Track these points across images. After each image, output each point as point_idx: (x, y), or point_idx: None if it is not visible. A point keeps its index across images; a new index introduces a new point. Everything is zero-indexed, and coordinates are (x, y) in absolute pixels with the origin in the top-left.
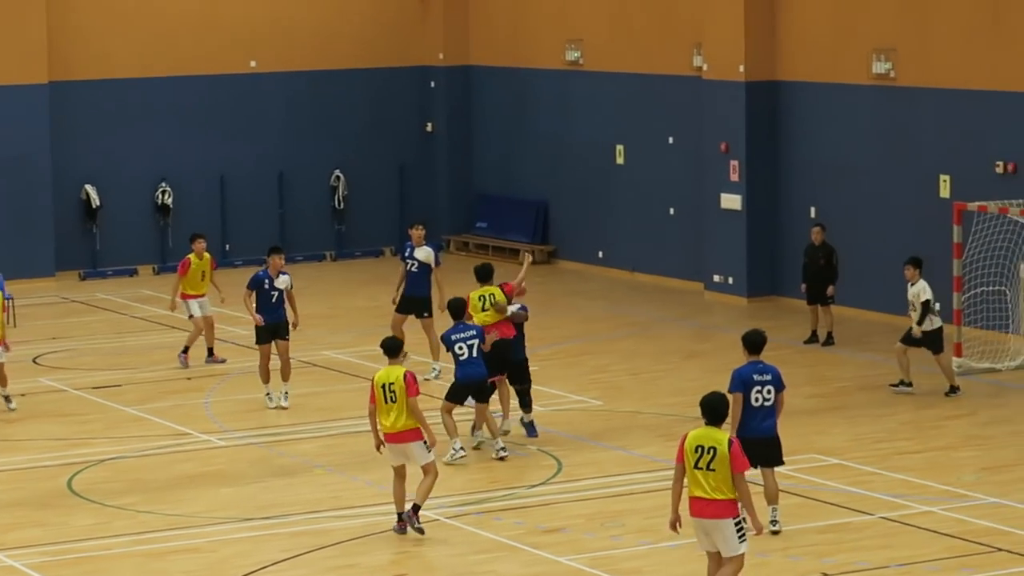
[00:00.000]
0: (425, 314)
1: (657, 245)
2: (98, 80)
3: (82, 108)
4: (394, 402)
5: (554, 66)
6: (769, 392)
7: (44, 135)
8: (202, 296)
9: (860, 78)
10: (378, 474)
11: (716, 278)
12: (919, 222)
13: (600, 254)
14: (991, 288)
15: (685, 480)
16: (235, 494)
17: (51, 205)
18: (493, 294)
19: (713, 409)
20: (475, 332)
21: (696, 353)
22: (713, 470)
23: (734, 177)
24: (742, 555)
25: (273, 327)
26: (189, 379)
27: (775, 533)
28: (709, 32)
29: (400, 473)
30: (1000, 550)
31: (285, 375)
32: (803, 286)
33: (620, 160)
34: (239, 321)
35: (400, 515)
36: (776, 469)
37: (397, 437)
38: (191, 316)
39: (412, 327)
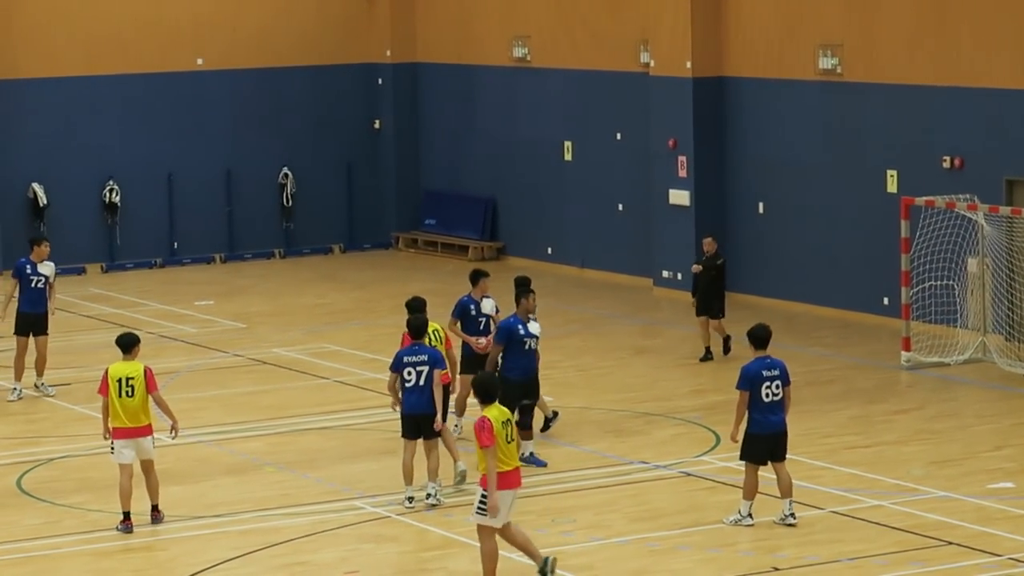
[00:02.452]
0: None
1: (606, 241)
2: (44, 78)
3: (28, 106)
4: (131, 396)
5: (501, 63)
6: (778, 387)
7: None
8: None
9: (807, 74)
10: (328, 471)
11: (665, 274)
12: (866, 217)
13: (549, 250)
14: (939, 283)
15: None
16: (184, 492)
17: None
18: (437, 330)
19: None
20: (427, 357)
21: (645, 349)
22: None
23: (682, 173)
24: None
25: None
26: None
27: (791, 526)
28: (656, 29)
29: (128, 472)
30: (950, 543)
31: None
32: (692, 298)
33: (568, 157)
34: (185, 319)
35: (126, 514)
36: (741, 463)
37: (133, 432)
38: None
39: None
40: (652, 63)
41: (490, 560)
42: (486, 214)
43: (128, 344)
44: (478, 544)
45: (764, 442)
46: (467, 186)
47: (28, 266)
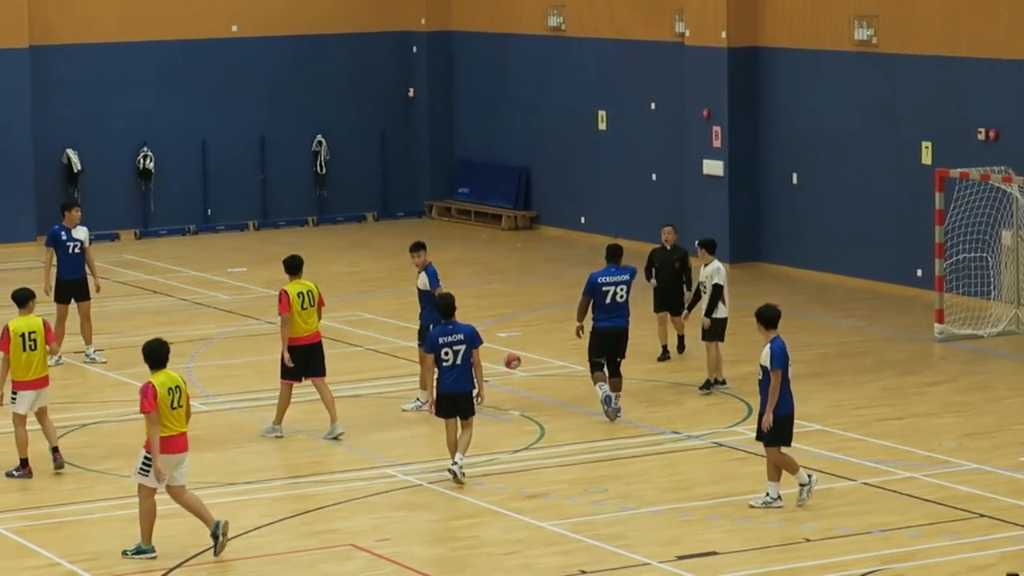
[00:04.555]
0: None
1: (639, 211)
2: (79, 44)
3: (63, 72)
4: (34, 350)
5: (536, 32)
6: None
7: (25, 100)
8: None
9: (842, 45)
10: (360, 439)
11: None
12: (901, 189)
13: (582, 220)
14: (973, 255)
15: None
16: (216, 459)
17: (32, 170)
18: (311, 290)
19: None
20: (463, 336)
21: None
22: None
23: (716, 143)
24: None
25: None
26: (171, 344)
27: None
28: None
29: (24, 422)
30: (982, 516)
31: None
32: (652, 282)
33: (602, 126)
34: (219, 286)
35: (24, 460)
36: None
37: (38, 383)
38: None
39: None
40: (687, 33)
41: (148, 520)
42: (519, 183)
43: (23, 299)
44: (510, 514)
45: (789, 425)
46: (501, 155)
47: (63, 232)
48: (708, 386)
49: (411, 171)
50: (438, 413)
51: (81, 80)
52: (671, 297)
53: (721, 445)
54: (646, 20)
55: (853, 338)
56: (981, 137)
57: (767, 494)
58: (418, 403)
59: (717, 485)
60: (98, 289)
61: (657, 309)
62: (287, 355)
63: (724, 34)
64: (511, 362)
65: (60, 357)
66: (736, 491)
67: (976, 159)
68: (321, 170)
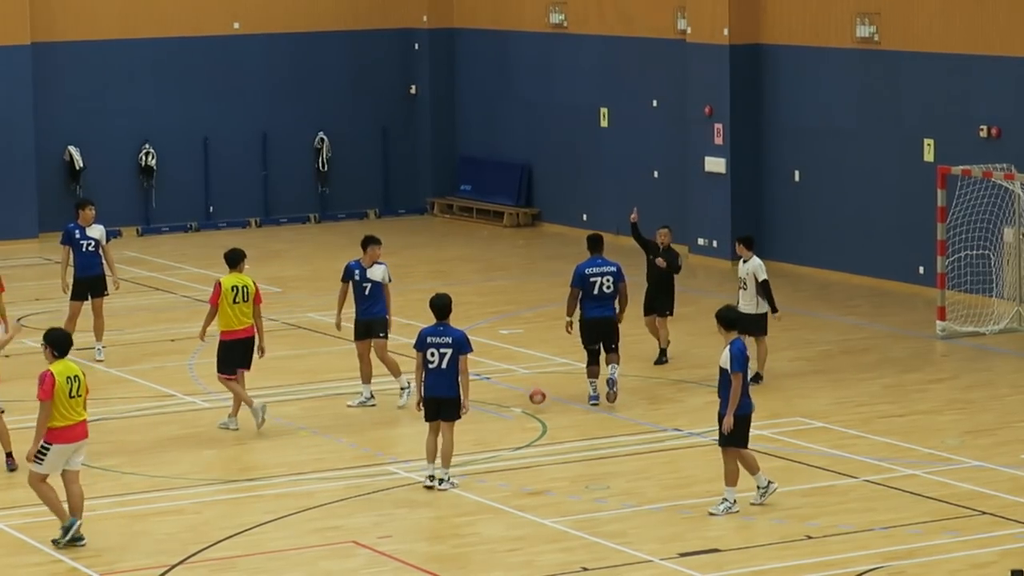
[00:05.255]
0: None
1: (641, 208)
2: (81, 41)
3: (65, 69)
4: None
5: (538, 29)
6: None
7: (27, 96)
8: None
9: (844, 42)
10: (362, 436)
11: (700, 241)
12: (903, 186)
13: (584, 217)
14: (975, 252)
15: None
16: (218, 456)
17: (34, 167)
18: (247, 285)
19: None
20: (452, 340)
21: (679, 316)
22: None
23: (718, 140)
24: None
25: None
26: (173, 341)
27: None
28: None
29: None
30: (984, 513)
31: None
32: (657, 258)
33: (604, 123)
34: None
35: (9, 454)
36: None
37: None
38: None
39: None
40: (689, 30)
41: (52, 503)
42: (521, 180)
43: None
44: (512, 511)
45: (748, 425)
46: (503, 152)
47: (77, 231)
48: (756, 379)
49: (413, 168)
50: (426, 417)
51: (83, 77)
52: (661, 299)
53: None
54: (648, 17)
55: (855, 335)
56: (983, 134)
57: (724, 499)
58: (363, 399)
59: (718, 482)
60: (116, 286)
61: (647, 312)
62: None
63: (726, 31)
64: (535, 396)
65: None
66: (738, 488)
67: (978, 156)
68: (323, 167)
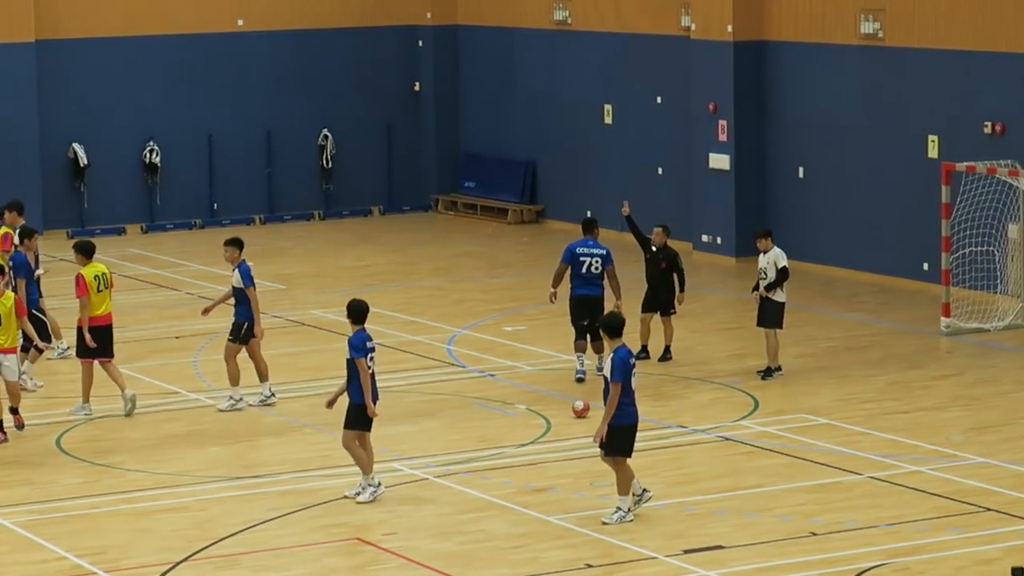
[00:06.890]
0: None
1: (645, 205)
2: (86, 39)
3: (70, 67)
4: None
5: (542, 25)
6: None
7: (31, 94)
8: None
9: (848, 38)
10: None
11: (704, 238)
12: (907, 182)
13: (588, 213)
14: (979, 248)
15: None
16: (223, 453)
17: (38, 164)
18: (105, 273)
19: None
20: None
21: (683, 313)
22: None
23: (722, 137)
24: None
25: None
26: (177, 338)
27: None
28: None
29: None
30: (988, 510)
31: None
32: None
33: (608, 120)
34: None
35: None
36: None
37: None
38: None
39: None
40: (693, 26)
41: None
42: (525, 177)
43: None
44: (516, 508)
45: (632, 434)
46: (507, 149)
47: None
48: (768, 373)
49: (417, 165)
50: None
51: (87, 74)
52: (659, 298)
53: (727, 439)
54: (652, 14)
55: (859, 332)
56: (987, 131)
57: (617, 508)
58: (232, 402)
59: (723, 479)
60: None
61: (644, 310)
62: (88, 336)
63: (730, 28)
64: (583, 412)
65: (68, 348)
66: (742, 485)
67: (982, 153)
68: (327, 164)
